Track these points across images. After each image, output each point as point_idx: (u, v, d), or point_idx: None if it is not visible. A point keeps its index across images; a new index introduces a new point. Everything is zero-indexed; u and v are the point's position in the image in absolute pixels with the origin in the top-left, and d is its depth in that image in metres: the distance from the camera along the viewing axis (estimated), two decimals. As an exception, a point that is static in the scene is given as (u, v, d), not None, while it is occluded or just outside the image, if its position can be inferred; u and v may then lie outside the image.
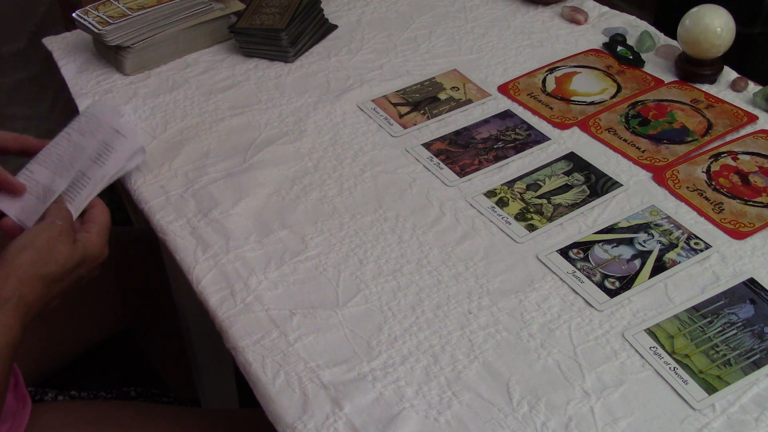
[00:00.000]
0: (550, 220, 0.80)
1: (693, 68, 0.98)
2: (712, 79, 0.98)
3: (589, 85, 1.00)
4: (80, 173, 0.82)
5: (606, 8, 1.16)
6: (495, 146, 0.91)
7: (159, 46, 1.08)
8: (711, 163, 0.86)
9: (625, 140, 0.91)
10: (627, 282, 0.73)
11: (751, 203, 0.81)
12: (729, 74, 0.99)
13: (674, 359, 0.66)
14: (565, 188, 0.84)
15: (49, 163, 0.83)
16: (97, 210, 0.80)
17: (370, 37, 1.14)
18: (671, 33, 1.03)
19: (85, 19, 1.06)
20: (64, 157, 0.83)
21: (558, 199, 0.83)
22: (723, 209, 0.80)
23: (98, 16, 1.05)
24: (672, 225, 0.79)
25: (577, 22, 1.13)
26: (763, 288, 0.72)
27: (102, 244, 0.78)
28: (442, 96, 1.00)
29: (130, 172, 0.89)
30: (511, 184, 0.85)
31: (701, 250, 0.76)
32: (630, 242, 0.77)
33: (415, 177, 0.87)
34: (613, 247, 0.77)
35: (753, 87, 0.97)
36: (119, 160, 0.84)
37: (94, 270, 0.79)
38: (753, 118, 0.92)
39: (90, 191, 0.82)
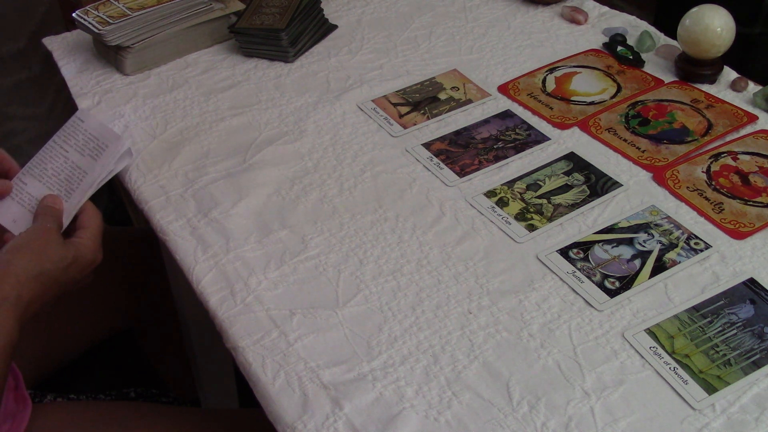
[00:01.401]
0: (550, 220, 0.80)
1: (693, 68, 0.98)
2: (712, 79, 0.98)
3: (589, 85, 1.00)
4: (74, 186, 0.83)
5: (606, 8, 1.16)
6: (495, 146, 0.91)
7: (159, 46, 1.08)
8: (711, 163, 0.86)
9: (625, 140, 0.90)
10: (627, 282, 0.73)
11: (751, 203, 0.81)
12: (729, 74, 0.99)
13: (674, 359, 0.66)
14: (565, 188, 0.84)
15: (45, 179, 0.83)
16: (88, 214, 0.81)
17: (370, 37, 1.14)
18: (671, 33, 1.03)
19: (85, 19, 1.05)
20: (60, 175, 0.83)
21: (558, 199, 0.83)
22: (723, 209, 0.80)
23: (98, 16, 1.05)
24: (672, 225, 0.79)
25: (577, 22, 1.13)
26: (763, 288, 0.72)
27: (95, 248, 0.78)
28: (442, 96, 1.00)
29: (130, 172, 0.89)
30: (511, 184, 0.85)
31: (701, 250, 0.76)
32: (630, 242, 0.77)
33: (415, 177, 0.87)
34: (613, 247, 0.77)
35: (753, 87, 0.97)
36: (108, 164, 0.85)
37: (88, 276, 0.79)
38: (753, 118, 0.92)
39: (80, 198, 0.82)
